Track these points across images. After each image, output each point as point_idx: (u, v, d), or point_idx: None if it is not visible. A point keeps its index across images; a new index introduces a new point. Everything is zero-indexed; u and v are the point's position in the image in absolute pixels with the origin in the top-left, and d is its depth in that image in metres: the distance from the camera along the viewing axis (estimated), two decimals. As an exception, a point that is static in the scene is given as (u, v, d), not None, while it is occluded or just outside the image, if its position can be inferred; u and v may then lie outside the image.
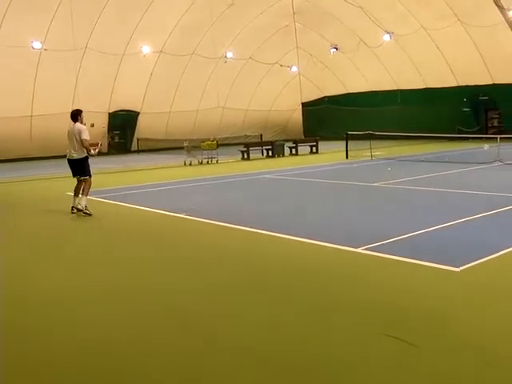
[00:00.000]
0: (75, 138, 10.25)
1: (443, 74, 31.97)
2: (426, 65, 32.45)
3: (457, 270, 5.67)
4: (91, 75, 28.25)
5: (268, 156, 25.15)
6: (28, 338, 4.40)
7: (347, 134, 22.95)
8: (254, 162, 22.64)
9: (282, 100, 40.15)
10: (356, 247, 6.76)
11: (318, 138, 27.71)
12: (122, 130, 32.85)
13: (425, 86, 33.72)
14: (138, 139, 33.30)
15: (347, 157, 21.70)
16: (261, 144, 27.53)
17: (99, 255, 7.25)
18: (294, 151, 25.81)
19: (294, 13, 32.64)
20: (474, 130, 30.45)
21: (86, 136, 10.17)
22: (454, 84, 32.28)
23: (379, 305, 4.82)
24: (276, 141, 26.93)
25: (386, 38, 32.11)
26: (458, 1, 27.53)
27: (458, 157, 20.05)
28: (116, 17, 26.51)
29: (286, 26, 34.28)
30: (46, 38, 26.00)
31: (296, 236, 7.57)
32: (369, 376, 3.53)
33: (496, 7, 26.95)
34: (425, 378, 3.47)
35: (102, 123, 31.19)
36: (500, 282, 5.37)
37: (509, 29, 27.64)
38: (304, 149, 26.13)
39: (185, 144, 23.32)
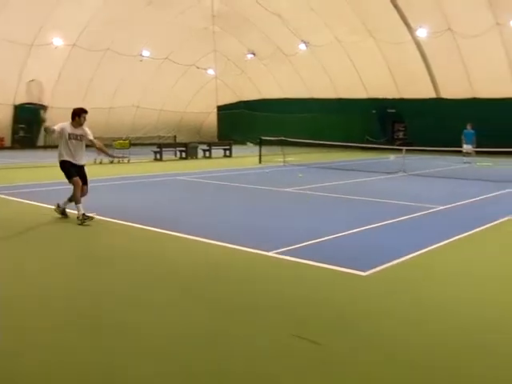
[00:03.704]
0: None
1: (355, 86, 33.19)
2: (338, 76, 33.56)
3: (363, 274, 5.85)
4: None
5: (181, 158, 24.92)
6: None
7: (261, 139, 23.21)
8: (167, 163, 22.36)
9: (197, 102, 39.98)
10: (267, 251, 6.80)
11: (231, 141, 27.82)
12: (29, 124, 31.30)
13: (337, 96, 34.83)
14: (45, 134, 31.86)
15: (260, 161, 21.94)
16: (174, 145, 27.25)
17: None
18: (207, 154, 25.74)
19: (213, 16, 32.65)
20: (382, 140, 31.83)
21: (56, 127, 9.71)
22: (364, 96, 33.60)
23: (287, 307, 4.88)
24: (190, 143, 26.73)
25: (302, 47, 32.89)
26: (371, 18, 28.70)
27: (365, 166, 20.80)
28: (27, 4, 25.26)
29: (205, 28, 34.21)
30: None
31: (207, 238, 7.50)
32: (275, 374, 3.53)
33: (405, 26, 28.36)
34: (327, 376, 3.52)
35: (7, 116, 29.70)
36: (401, 286, 5.60)
37: (415, 47, 29.17)
38: (218, 152, 26.14)
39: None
